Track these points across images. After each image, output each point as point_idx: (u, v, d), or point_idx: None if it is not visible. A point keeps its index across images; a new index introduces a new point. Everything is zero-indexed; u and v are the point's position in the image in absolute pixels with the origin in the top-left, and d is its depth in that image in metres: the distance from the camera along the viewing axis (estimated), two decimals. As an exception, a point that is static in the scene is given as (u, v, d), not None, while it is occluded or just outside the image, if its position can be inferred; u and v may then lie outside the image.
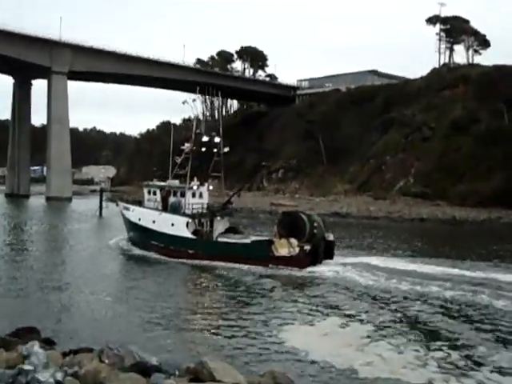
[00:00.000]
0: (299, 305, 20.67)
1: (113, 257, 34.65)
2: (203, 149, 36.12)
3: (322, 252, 29.77)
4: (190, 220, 32.97)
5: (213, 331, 17.29)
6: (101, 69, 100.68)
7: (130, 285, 25.01)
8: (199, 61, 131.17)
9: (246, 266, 28.48)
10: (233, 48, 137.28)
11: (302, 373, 13.15)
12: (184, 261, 30.69)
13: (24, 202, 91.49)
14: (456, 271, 26.43)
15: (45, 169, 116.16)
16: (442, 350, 15.06)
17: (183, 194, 34.83)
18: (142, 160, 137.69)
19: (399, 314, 19.19)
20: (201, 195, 35.60)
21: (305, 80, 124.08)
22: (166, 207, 35.41)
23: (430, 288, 22.83)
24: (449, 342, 15.85)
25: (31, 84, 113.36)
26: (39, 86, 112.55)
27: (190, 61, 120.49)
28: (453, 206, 67.43)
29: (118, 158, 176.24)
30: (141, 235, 36.41)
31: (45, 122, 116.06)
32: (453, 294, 21.74)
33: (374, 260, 29.46)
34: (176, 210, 34.48)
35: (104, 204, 61.99)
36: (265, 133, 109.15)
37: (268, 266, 28.50)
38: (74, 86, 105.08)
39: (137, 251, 35.06)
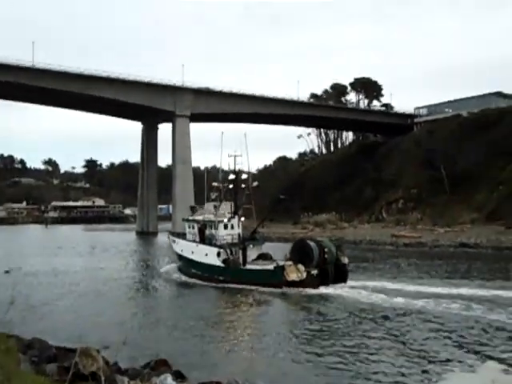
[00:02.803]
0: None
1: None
2: (230, 186, 40.70)
3: (332, 275, 33.61)
4: (221, 250, 36.93)
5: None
6: (219, 109, 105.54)
7: (231, 318, 25.67)
8: (313, 95, 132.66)
9: (267, 289, 32.05)
10: (346, 80, 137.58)
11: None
12: (219, 285, 34.92)
13: (152, 239, 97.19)
14: None
15: (170, 207, 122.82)
16: None
17: (216, 227, 39.04)
18: (259, 195, 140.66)
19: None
20: (232, 227, 39.42)
21: (423, 107, 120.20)
22: (202, 239, 40.10)
23: None
24: None
25: (157, 128, 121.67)
26: (164, 129, 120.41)
27: (304, 95, 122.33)
28: None
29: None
30: (184, 264, 41.71)
31: (170, 163, 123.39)
32: None
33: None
34: (210, 241, 39.00)
35: None
36: (382, 163, 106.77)
37: (282, 289, 32.15)
38: (195, 128, 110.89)
39: (183, 278, 39.80)
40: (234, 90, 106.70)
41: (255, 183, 43.05)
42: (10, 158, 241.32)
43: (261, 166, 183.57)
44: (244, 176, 41.82)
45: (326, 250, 34.74)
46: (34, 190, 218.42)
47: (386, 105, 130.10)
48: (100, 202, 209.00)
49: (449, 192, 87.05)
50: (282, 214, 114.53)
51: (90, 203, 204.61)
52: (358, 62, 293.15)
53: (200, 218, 42.66)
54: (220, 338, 21.41)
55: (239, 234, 39.40)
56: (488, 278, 36.08)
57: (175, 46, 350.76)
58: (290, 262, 33.70)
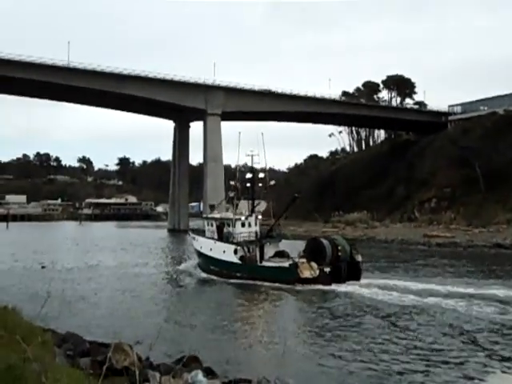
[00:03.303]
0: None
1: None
2: (248, 184, 41.64)
3: (345, 272, 34.28)
4: (238, 247, 37.83)
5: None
6: (250, 108, 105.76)
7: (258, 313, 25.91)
8: (345, 93, 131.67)
9: (282, 286, 32.86)
10: (379, 78, 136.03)
11: None
12: (236, 281, 35.55)
13: (183, 237, 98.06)
14: None
15: (201, 205, 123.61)
16: None
17: (234, 225, 39.95)
18: (290, 194, 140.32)
19: None
20: (249, 225, 40.23)
21: (457, 105, 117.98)
22: (221, 236, 40.90)
23: None
24: None
25: (189, 126, 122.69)
26: (195, 128, 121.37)
27: (335, 93, 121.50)
28: None
29: (267, 192, 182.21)
30: (203, 261, 42.44)
31: (201, 161, 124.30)
32: None
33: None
34: (228, 238, 39.80)
35: None
36: (415, 161, 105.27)
37: (295, 285, 32.91)
38: (226, 126, 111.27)
39: (202, 274, 40.57)
40: (265, 89, 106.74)
41: (272, 182, 43.88)
42: (46, 155, 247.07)
43: (291, 165, 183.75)
44: (261, 175, 42.81)
45: (339, 247, 35.66)
46: (69, 187, 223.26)
47: (419, 103, 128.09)
48: (132, 199, 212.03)
49: (484, 191, 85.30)
50: (313, 213, 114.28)
51: (122, 200, 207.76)
52: (390, 59, 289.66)
53: (218, 215, 44.14)
54: (246, 335, 21.66)
55: (256, 232, 40.14)
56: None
57: (205, 45, 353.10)
58: (303, 260, 34.66)
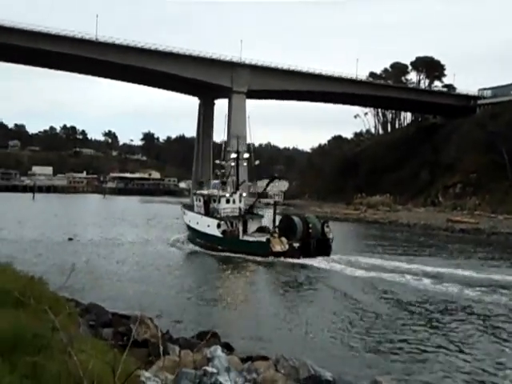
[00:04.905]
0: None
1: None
2: (233, 163, 45.66)
3: (314, 248, 37.45)
4: (221, 222, 40.42)
5: (381, 347, 16.92)
6: (275, 87, 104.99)
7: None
8: (372, 74, 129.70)
9: (257, 258, 35.95)
10: (407, 59, 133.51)
11: None
12: (217, 253, 38.49)
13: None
14: None
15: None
16: None
17: (219, 201, 42.98)
18: (313, 174, 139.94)
19: None
20: (234, 201, 43.26)
21: (487, 89, 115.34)
22: (207, 212, 43.94)
23: None
24: None
25: (214, 103, 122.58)
26: (219, 105, 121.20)
27: (363, 74, 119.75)
28: None
29: (290, 172, 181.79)
30: (191, 234, 45.79)
31: (225, 139, 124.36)
32: None
33: None
34: (213, 213, 42.68)
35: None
36: (441, 146, 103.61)
37: (268, 258, 36.03)
38: (250, 104, 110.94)
39: (190, 246, 43.54)
40: (291, 68, 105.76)
41: (257, 162, 46.87)
42: (73, 128, 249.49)
43: (315, 145, 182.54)
44: (246, 155, 46.49)
45: (310, 225, 38.74)
46: (94, 160, 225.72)
47: (448, 85, 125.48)
48: (156, 174, 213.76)
49: (511, 178, 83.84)
50: (335, 194, 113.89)
51: (146, 175, 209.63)
52: (420, 40, 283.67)
53: (206, 192, 47.61)
54: (257, 312, 22.01)
55: (240, 208, 43.10)
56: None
57: (232, 22, 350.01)
58: (275, 235, 37.91)
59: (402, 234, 64.17)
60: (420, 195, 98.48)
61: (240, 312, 22.37)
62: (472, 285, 27.71)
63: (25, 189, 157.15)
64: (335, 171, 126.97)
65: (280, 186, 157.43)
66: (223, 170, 48.35)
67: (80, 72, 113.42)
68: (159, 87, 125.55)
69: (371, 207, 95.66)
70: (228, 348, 14.05)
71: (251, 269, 34.18)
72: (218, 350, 10.08)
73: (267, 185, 48.08)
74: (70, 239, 44.68)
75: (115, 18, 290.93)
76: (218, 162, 48.97)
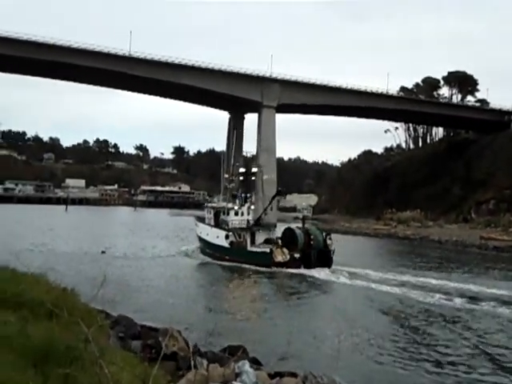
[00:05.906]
0: None
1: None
2: (241, 178, 47.39)
3: (315, 259, 38.53)
4: (230, 233, 41.82)
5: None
6: (305, 101, 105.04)
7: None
8: (403, 88, 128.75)
9: (261, 268, 37.23)
10: (439, 74, 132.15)
11: None
12: (226, 263, 39.90)
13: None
14: None
15: (254, 196, 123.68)
16: None
17: (228, 213, 44.35)
18: (343, 189, 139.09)
19: None
20: (242, 213, 44.56)
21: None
22: (217, 223, 45.29)
23: None
24: None
25: (244, 118, 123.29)
26: (249, 119, 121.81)
27: (393, 89, 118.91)
28: None
29: (319, 186, 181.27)
30: (202, 244, 47.07)
31: (254, 152, 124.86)
32: None
33: None
34: (222, 225, 44.04)
35: None
36: (473, 161, 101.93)
37: (271, 268, 37.33)
38: (280, 118, 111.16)
39: (201, 256, 44.97)
40: (321, 82, 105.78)
41: (265, 176, 49.73)
42: (105, 142, 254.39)
43: (345, 160, 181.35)
44: (254, 169, 49.21)
45: (311, 236, 40.03)
46: (125, 173, 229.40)
47: (481, 100, 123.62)
48: (186, 187, 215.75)
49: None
50: (365, 209, 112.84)
51: (176, 189, 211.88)
52: (452, 55, 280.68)
53: (216, 205, 49.52)
54: (282, 326, 21.73)
55: (248, 220, 44.26)
56: None
57: (261, 38, 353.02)
58: (277, 246, 39.42)
59: (434, 250, 63.04)
60: (452, 211, 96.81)
61: (263, 325, 22.32)
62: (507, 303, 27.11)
63: (58, 201, 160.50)
64: (365, 186, 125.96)
65: (309, 200, 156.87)
66: (233, 184, 49.95)
67: (116, 87, 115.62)
68: (190, 101, 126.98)
69: (401, 223, 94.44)
70: (256, 363, 13.98)
71: (255, 279, 35.09)
72: (246, 365, 10.08)
73: (271, 200, 48.36)
74: (103, 252, 45.26)
75: (143, 33, 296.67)
76: (226, 176, 50.65)
